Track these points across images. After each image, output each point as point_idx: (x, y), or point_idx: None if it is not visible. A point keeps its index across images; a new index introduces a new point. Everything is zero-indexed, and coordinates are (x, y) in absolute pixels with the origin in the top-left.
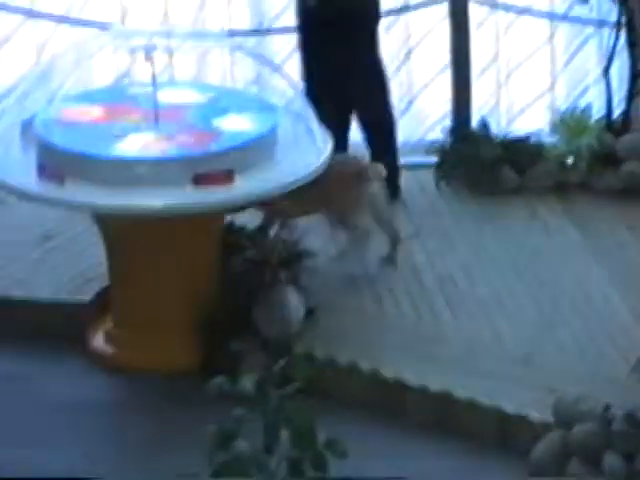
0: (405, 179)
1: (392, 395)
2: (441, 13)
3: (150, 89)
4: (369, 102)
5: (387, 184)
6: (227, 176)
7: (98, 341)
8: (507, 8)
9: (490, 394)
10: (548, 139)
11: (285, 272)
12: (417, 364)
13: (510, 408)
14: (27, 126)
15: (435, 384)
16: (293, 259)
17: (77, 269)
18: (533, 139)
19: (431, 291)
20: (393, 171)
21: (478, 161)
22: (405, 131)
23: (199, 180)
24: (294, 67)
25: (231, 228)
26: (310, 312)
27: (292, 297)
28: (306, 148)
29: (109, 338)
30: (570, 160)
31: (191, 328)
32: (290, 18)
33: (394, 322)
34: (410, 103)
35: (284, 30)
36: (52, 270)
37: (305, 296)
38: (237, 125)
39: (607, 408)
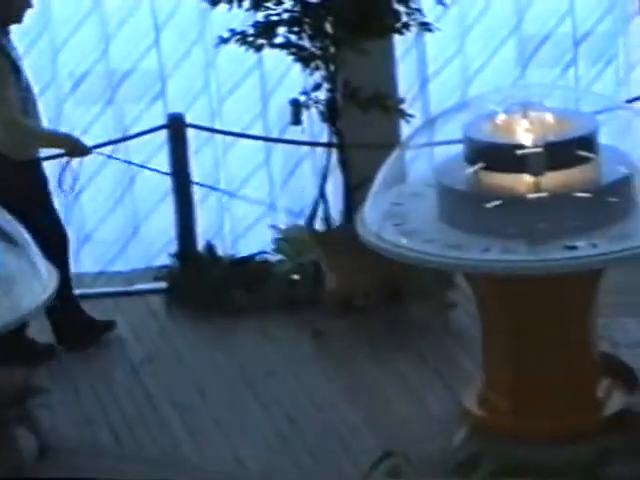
0: (135, 306)
1: None
2: (160, 139)
3: None
4: None
5: None
6: None
7: None
8: (224, 132)
9: None
10: (273, 257)
11: (15, 410)
12: None
13: None
14: None
15: None
16: (24, 397)
17: None
18: (259, 258)
19: (169, 419)
20: None
21: (207, 283)
22: (132, 258)
23: None
24: None
25: None
26: (43, 451)
27: (23, 436)
28: (30, 282)
29: None
30: (297, 277)
31: None
32: None
33: (134, 454)
34: (135, 230)
35: None
36: None
37: (38, 435)
38: None
39: None
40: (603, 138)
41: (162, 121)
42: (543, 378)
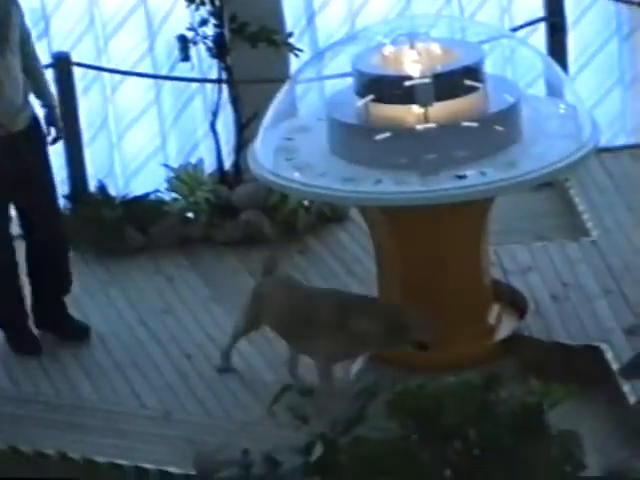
0: None
1: (33, 467)
2: None
3: None
4: None
5: None
6: None
7: None
8: (112, 70)
9: (130, 454)
10: (167, 196)
11: None
12: (57, 436)
13: (151, 465)
14: None
15: (75, 452)
16: None
17: None
18: (152, 197)
19: (66, 361)
20: None
21: (100, 223)
22: None
23: None
24: None
25: None
26: None
27: None
28: None
29: None
30: (190, 215)
31: None
32: None
33: (31, 397)
34: None
35: None
36: None
37: None
38: None
39: (246, 453)
40: (489, 67)
41: (47, 60)
42: (436, 307)
